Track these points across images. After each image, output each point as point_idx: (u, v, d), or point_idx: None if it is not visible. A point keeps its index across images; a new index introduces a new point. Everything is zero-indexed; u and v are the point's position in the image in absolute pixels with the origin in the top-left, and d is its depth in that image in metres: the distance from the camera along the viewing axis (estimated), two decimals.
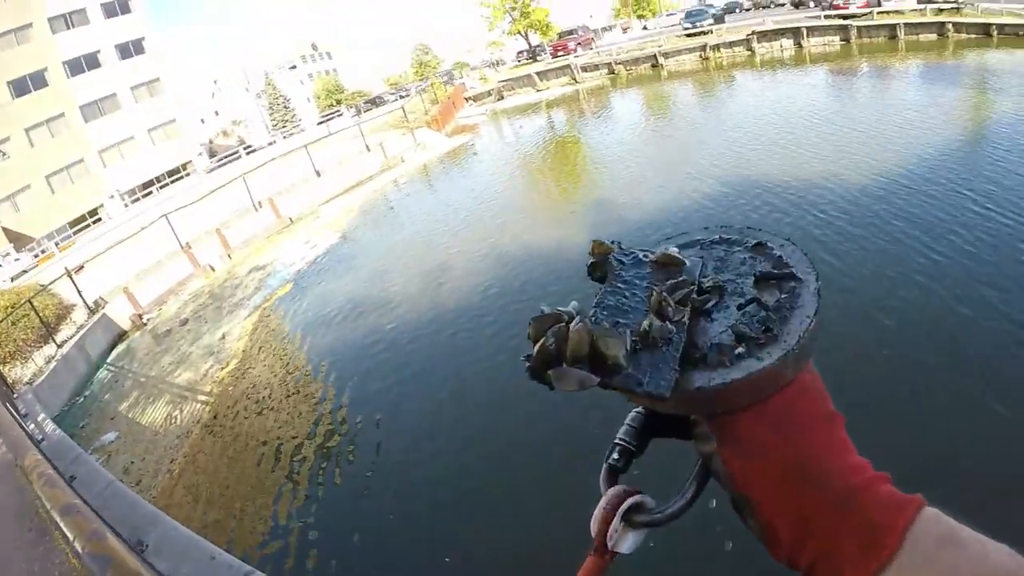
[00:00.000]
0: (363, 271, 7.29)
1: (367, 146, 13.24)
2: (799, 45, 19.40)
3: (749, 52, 19.56)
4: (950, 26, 19.14)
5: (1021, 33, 18.35)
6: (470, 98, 19.18)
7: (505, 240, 7.14)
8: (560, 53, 21.41)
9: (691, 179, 8.21)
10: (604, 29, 29.50)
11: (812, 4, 23.28)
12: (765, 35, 19.71)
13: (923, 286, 4.15)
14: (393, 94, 21.46)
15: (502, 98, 19.04)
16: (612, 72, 20.43)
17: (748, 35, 19.68)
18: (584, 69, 20.44)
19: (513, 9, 21.12)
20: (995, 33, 18.62)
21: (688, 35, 21.37)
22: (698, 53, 19.97)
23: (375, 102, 21.31)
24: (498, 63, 24.01)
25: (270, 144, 18.68)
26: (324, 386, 4.76)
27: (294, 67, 39.09)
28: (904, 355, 3.32)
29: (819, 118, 11.37)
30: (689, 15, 23.28)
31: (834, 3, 20.64)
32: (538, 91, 19.65)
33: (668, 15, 28.49)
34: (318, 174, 11.81)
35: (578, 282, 5.70)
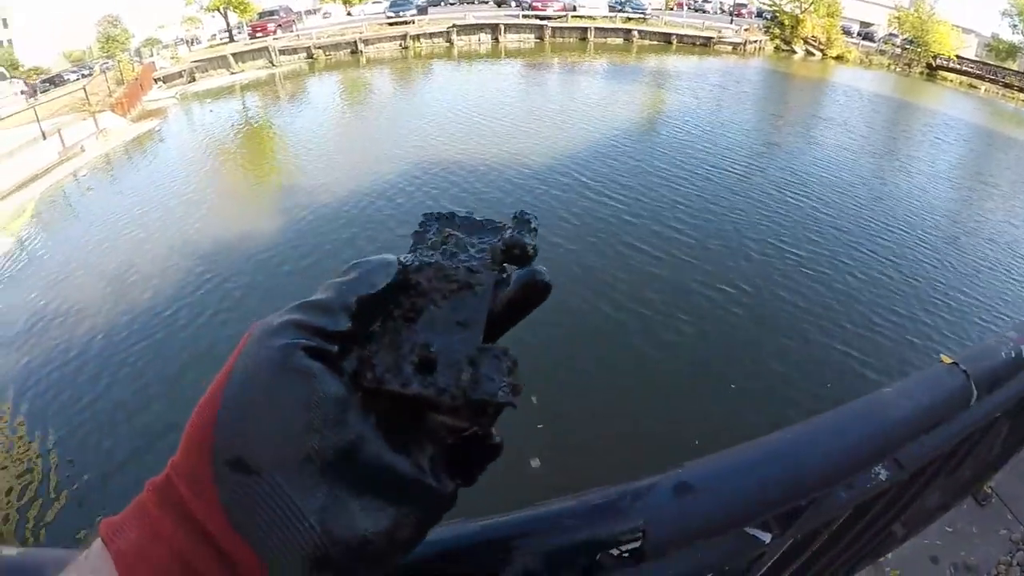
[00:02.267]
0: (44, 281, 10.24)
1: (43, 133, 17.78)
2: (496, 40, 32.89)
3: (448, 44, 32.08)
4: (636, 33, 36.24)
5: (696, 43, 36.67)
6: (160, 79, 26.31)
7: (200, 237, 10.73)
8: (259, 34, 31.15)
9: (384, 162, 13.27)
10: (307, 12, 42.45)
11: (513, 3, 38.79)
12: (465, 28, 32.60)
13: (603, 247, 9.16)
14: (75, 72, 27.51)
15: (194, 80, 27.08)
16: (311, 57, 30.47)
17: (449, 27, 32.22)
18: (282, 52, 29.91)
19: None
20: (674, 41, 36.48)
21: (391, 23, 33.22)
22: (399, 42, 31.63)
23: (54, 81, 27.41)
24: (193, 41, 33.22)
25: None
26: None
27: None
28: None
29: (510, 106, 18.65)
30: (394, 4, 35.76)
31: (533, 4, 35.39)
32: (233, 73, 28.38)
33: (374, 3, 42.92)
34: None
35: (282, 277, 8.93)
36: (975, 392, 0.96)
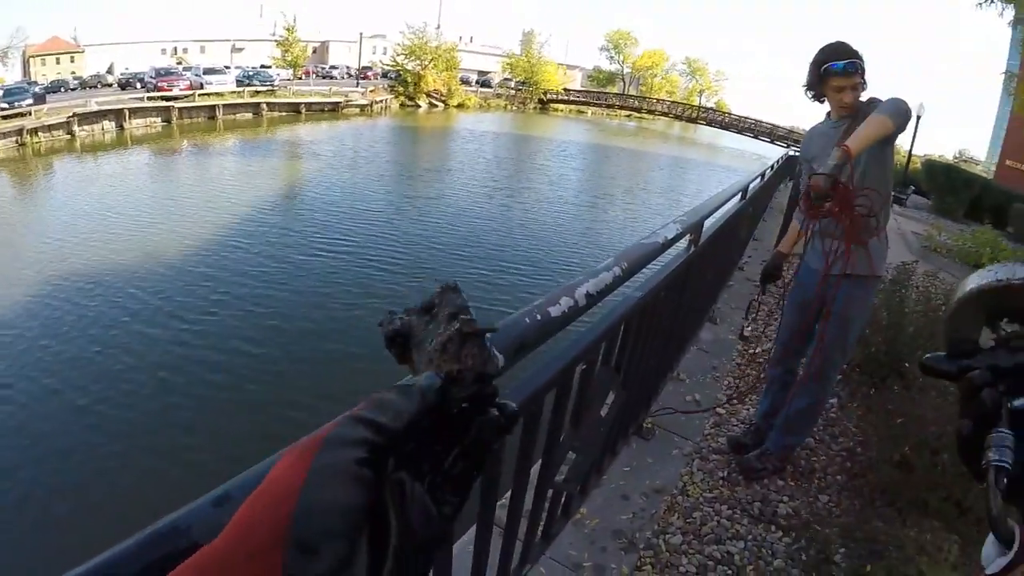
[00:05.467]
0: None
1: None
2: (121, 127, 34.29)
3: (70, 136, 31.80)
4: (265, 106, 41.50)
5: (325, 109, 44.23)
6: None
7: None
8: None
9: (7, 285, 11.63)
10: None
11: (139, 86, 41.11)
12: (87, 117, 33.23)
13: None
14: None
15: None
16: None
17: (69, 117, 32.24)
18: None
19: None
20: (303, 111, 43.11)
21: (4, 117, 30.71)
22: (14, 138, 29.62)
23: None
24: None
25: None
26: None
27: None
28: None
29: (144, 201, 18.34)
30: (8, 93, 33.12)
31: (159, 85, 37.84)
32: None
33: None
34: None
35: None
36: (499, 357, 1.01)
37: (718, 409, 4.15)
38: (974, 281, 0.61)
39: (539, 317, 1.29)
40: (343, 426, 0.37)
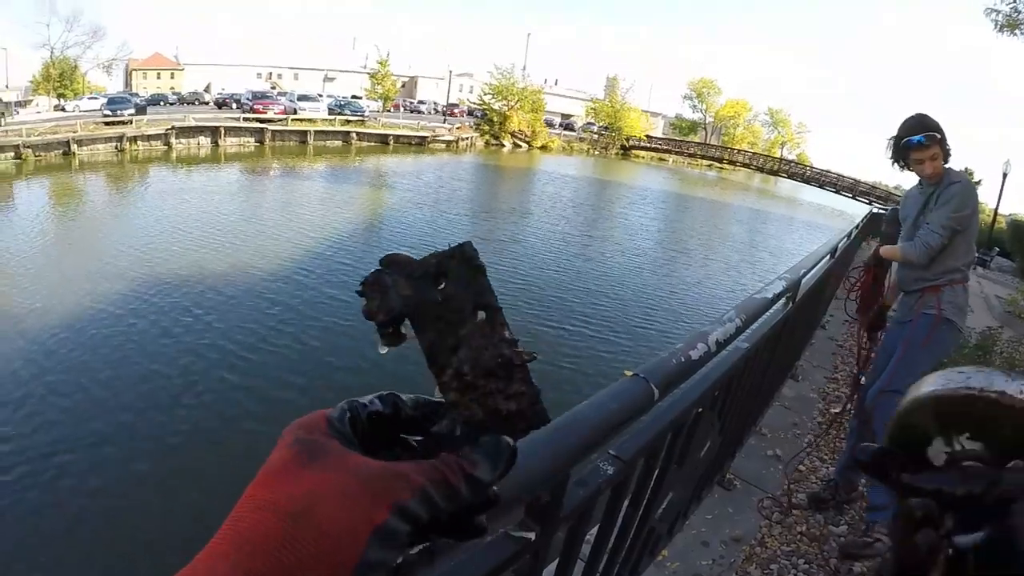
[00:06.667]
0: None
1: None
2: (216, 144, 36.24)
3: (167, 147, 33.95)
4: (354, 135, 43.12)
5: (412, 143, 45.30)
6: None
7: None
8: None
9: (95, 280, 12.60)
10: (19, 104, 40.40)
11: (235, 106, 43.25)
12: (185, 131, 35.34)
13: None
14: None
15: None
16: (19, 157, 27.99)
17: (167, 130, 34.33)
18: None
19: None
20: (391, 142, 44.44)
21: (107, 123, 33.18)
22: (115, 144, 32.07)
23: None
24: None
25: None
26: None
27: None
28: None
29: (231, 215, 19.27)
30: (112, 102, 35.98)
31: (254, 107, 39.86)
32: None
33: (90, 98, 43.92)
34: None
35: None
36: (656, 392, 1.20)
37: (799, 466, 4.16)
38: (934, 384, 0.49)
39: (683, 359, 1.41)
40: (418, 501, 0.37)
